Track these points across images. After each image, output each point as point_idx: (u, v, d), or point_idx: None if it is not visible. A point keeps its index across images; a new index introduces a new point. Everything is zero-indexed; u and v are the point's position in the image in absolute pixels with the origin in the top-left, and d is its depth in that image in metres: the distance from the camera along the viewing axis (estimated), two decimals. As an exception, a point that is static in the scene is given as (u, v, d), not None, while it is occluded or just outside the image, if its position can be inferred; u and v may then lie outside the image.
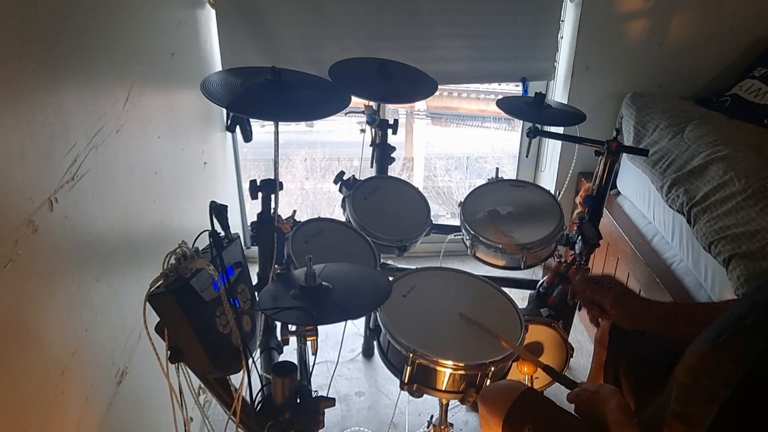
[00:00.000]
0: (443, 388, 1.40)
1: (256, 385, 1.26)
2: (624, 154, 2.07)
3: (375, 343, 1.57)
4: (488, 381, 1.37)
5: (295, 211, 1.70)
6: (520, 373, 1.55)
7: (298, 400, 1.28)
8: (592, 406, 1.13)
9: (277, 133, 1.43)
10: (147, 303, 1.05)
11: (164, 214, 1.66)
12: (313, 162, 4.93)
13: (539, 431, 1.14)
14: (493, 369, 1.36)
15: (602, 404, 1.09)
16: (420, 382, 1.40)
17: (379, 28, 2.32)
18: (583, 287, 1.32)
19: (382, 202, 2.01)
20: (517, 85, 2.62)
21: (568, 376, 1.32)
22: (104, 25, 1.30)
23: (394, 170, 2.25)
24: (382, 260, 1.82)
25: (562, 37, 2.43)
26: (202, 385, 1.28)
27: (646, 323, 1.23)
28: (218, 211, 1.16)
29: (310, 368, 1.32)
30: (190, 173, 1.97)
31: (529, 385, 1.56)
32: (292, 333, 1.23)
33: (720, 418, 0.72)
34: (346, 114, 1.86)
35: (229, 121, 1.58)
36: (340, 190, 2.00)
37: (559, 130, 2.27)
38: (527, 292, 1.97)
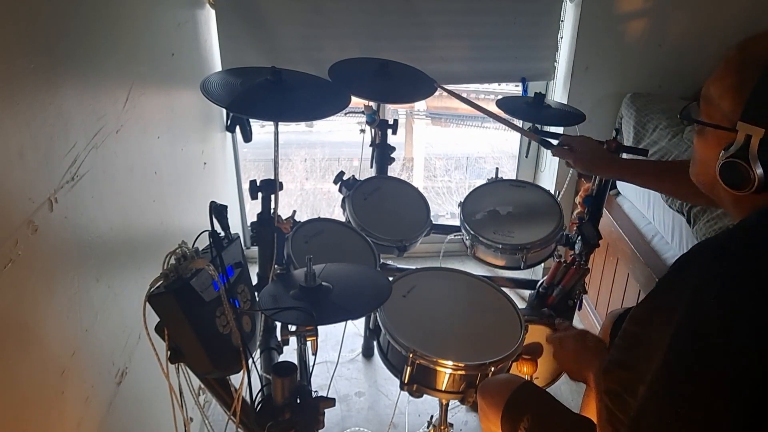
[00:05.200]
0: (443, 389, 1.40)
1: (256, 385, 1.26)
2: (624, 154, 2.07)
3: (375, 343, 1.57)
4: (488, 381, 1.37)
5: (295, 212, 1.70)
6: (520, 373, 1.55)
7: (298, 401, 1.28)
8: (574, 360, 1.20)
9: (277, 133, 1.43)
10: (147, 303, 1.05)
11: (164, 215, 1.66)
12: (313, 162, 4.93)
13: (537, 422, 1.15)
14: (492, 369, 1.36)
15: (586, 365, 1.16)
16: (420, 382, 1.40)
17: (379, 28, 2.32)
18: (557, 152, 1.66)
19: (382, 202, 2.01)
20: (517, 85, 2.62)
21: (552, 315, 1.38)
22: (104, 26, 1.30)
23: (394, 170, 2.25)
24: (382, 260, 1.82)
25: (562, 37, 2.43)
26: (202, 385, 1.28)
27: (606, 173, 1.59)
28: (218, 211, 1.17)
29: (310, 368, 1.32)
30: (190, 173, 1.97)
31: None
32: (292, 333, 1.23)
33: (666, 359, 0.74)
34: (346, 114, 1.86)
35: (229, 121, 1.58)
36: (340, 191, 2.00)
37: (559, 130, 2.27)
38: (527, 292, 1.97)
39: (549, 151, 2.64)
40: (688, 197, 1.45)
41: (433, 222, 2.02)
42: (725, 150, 0.81)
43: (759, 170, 0.78)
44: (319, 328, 1.17)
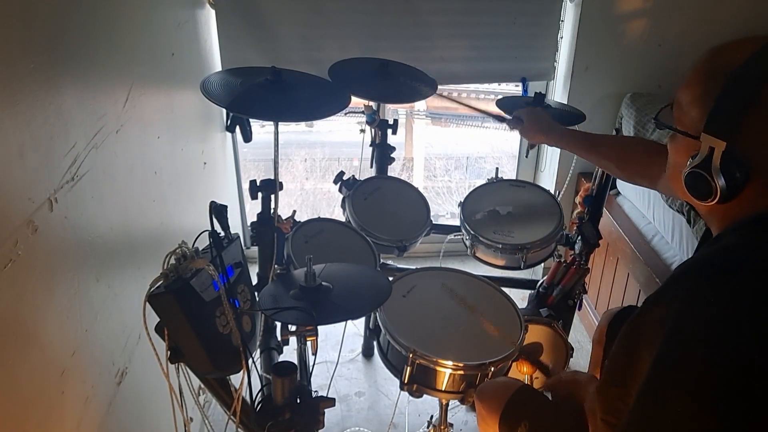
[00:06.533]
0: (443, 389, 1.40)
1: (256, 385, 1.26)
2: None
3: (375, 343, 1.57)
4: (488, 381, 1.37)
5: (295, 211, 1.70)
6: (520, 373, 1.55)
7: (298, 400, 1.28)
8: (569, 394, 1.21)
9: (277, 133, 1.43)
10: (147, 303, 1.05)
11: (164, 214, 1.66)
12: (313, 162, 4.93)
13: (535, 427, 1.15)
14: (492, 369, 1.36)
15: (580, 391, 1.17)
16: (420, 382, 1.40)
17: (379, 28, 2.32)
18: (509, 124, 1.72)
19: (382, 202, 2.01)
20: (517, 85, 2.62)
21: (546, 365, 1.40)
22: (104, 26, 1.30)
23: (394, 170, 2.25)
24: (382, 260, 1.82)
25: (562, 37, 2.43)
26: (202, 385, 1.28)
27: (547, 141, 1.62)
28: (218, 211, 1.17)
29: (310, 368, 1.32)
30: (190, 173, 1.97)
31: (528, 384, 1.56)
32: (292, 333, 1.23)
33: (650, 377, 0.74)
34: (346, 114, 1.86)
35: (229, 121, 1.58)
36: (340, 190, 2.00)
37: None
38: (527, 292, 1.97)
39: (549, 152, 2.67)
40: (611, 171, 1.49)
41: (433, 222, 2.02)
42: (692, 159, 0.82)
43: (721, 182, 0.78)
44: (319, 328, 1.17)
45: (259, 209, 1.59)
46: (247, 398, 1.23)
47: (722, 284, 0.73)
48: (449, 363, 1.35)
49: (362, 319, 2.17)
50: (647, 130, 2.16)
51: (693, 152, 0.82)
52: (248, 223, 2.11)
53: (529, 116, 1.66)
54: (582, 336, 2.44)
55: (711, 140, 0.78)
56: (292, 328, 1.21)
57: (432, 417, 1.75)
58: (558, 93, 2.53)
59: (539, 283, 1.90)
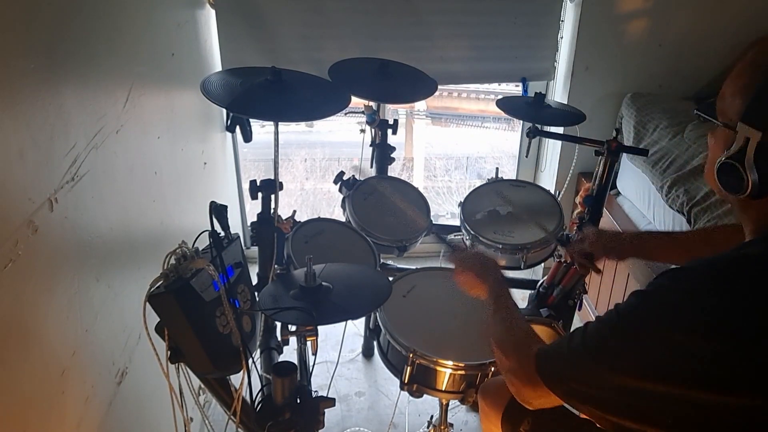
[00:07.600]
0: (443, 389, 1.40)
1: (256, 385, 1.26)
2: (624, 154, 2.07)
3: (375, 343, 1.57)
4: (488, 381, 1.37)
5: (295, 212, 1.70)
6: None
7: (298, 400, 1.28)
8: (475, 280, 1.28)
9: (277, 133, 1.43)
10: (147, 303, 1.05)
11: (164, 214, 1.66)
12: (313, 162, 4.93)
13: (538, 424, 1.15)
14: (493, 369, 1.36)
15: (484, 283, 1.26)
16: (420, 382, 1.40)
17: (379, 28, 2.32)
18: (571, 251, 1.56)
19: (382, 202, 2.01)
20: (517, 85, 2.62)
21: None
22: (104, 26, 1.30)
23: (394, 170, 2.25)
24: (382, 260, 1.82)
25: (562, 37, 2.43)
26: (202, 385, 1.28)
27: (621, 253, 1.45)
28: (218, 211, 1.17)
29: (310, 368, 1.32)
30: (190, 173, 1.97)
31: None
32: (292, 333, 1.23)
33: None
34: (346, 114, 1.86)
35: (229, 121, 1.59)
36: (340, 190, 2.00)
37: (559, 130, 2.27)
38: (527, 292, 1.97)
39: (549, 152, 2.67)
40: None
41: (433, 222, 2.02)
42: (727, 150, 0.80)
43: (754, 175, 0.77)
44: (319, 328, 1.18)
45: (259, 209, 1.59)
46: (247, 398, 1.23)
47: (731, 285, 0.75)
48: (449, 363, 1.35)
49: (362, 319, 2.17)
50: (647, 129, 2.16)
51: (730, 143, 0.81)
52: (248, 223, 2.11)
53: (593, 235, 1.50)
54: (582, 336, 2.44)
55: (748, 130, 0.77)
56: (292, 328, 1.21)
57: (432, 417, 1.75)
58: (558, 93, 2.53)
59: (539, 283, 1.90)
